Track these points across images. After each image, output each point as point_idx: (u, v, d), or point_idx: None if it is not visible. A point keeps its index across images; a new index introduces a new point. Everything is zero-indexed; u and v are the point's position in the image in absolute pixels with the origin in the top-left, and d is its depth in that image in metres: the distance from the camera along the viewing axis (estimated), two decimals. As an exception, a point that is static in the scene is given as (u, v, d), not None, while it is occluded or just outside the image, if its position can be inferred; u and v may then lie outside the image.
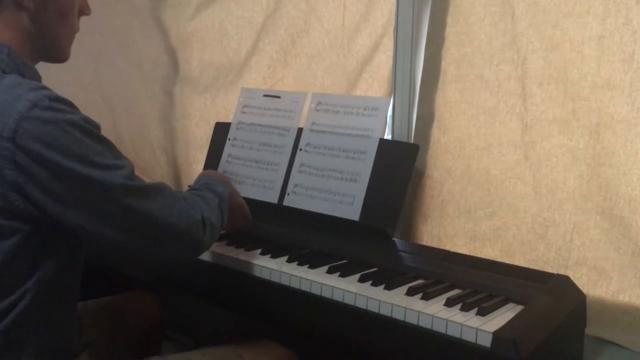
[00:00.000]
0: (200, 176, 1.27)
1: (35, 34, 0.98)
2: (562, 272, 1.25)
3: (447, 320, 0.95)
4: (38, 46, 0.99)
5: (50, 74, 1.13)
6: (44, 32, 0.99)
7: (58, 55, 1.05)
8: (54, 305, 0.95)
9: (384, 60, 1.57)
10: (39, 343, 0.93)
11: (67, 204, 0.87)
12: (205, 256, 1.28)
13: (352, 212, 1.37)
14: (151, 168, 2.24)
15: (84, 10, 1.06)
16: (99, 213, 0.90)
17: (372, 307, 1.04)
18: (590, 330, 1.18)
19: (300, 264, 1.21)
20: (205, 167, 1.71)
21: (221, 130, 1.69)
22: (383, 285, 1.10)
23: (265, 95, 1.63)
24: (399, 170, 1.36)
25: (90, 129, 0.90)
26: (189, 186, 1.27)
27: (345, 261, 1.25)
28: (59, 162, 0.85)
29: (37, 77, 1.00)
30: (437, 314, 0.97)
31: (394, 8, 1.50)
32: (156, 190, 0.97)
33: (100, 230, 0.91)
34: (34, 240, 0.90)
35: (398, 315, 1.01)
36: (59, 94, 0.90)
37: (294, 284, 1.15)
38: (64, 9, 1.00)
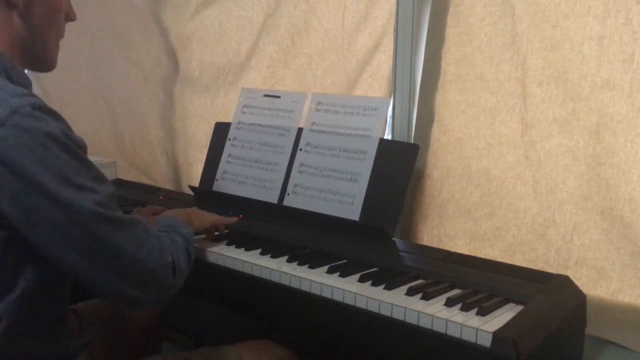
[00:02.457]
0: (162, 218, 1.18)
1: (26, 37, 0.95)
2: (562, 272, 1.25)
3: (447, 320, 0.95)
4: (28, 51, 0.97)
5: (50, 75, 1.13)
6: (34, 34, 0.96)
7: (47, 61, 1.01)
8: (43, 311, 0.93)
9: (384, 60, 1.57)
10: (31, 351, 0.92)
11: (33, 219, 0.83)
12: (205, 256, 1.28)
13: (352, 212, 1.37)
14: (151, 168, 2.24)
15: (70, 15, 1.03)
16: (63, 235, 0.85)
17: (372, 307, 1.04)
18: (590, 330, 1.18)
19: (300, 264, 1.21)
20: (205, 166, 1.71)
21: (221, 130, 1.69)
22: (383, 285, 1.10)
23: (265, 95, 1.63)
24: (399, 170, 1.36)
25: (69, 145, 0.85)
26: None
27: (345, 261, 1.25)
28: (31, 174, 0.81)
29: (26, 81, 0.97)
30: (437, 314, 0.97)
31: (394, 8, 1.50)
32: (130, 224, 0.92)
33: (62, 254, 0.86)
34: (13, 247, 0.86)
35: (398, 315, 1.01)
36: (45, 103, 0.86)
37: (294, 284, 1.15)
38: (52, 8, 0.98)
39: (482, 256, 1.35)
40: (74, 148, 0.86)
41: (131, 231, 0.91)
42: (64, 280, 0.99)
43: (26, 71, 0.99)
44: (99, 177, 0.90)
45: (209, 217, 1.32)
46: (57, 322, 0.98)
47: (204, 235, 1.35)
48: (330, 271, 1.18)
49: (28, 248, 0.88)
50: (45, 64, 1.02)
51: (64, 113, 0.90)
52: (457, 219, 1.44)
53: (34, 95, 0.87)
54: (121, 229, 0.89)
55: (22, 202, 0.82)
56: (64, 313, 1.02)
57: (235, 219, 1.37)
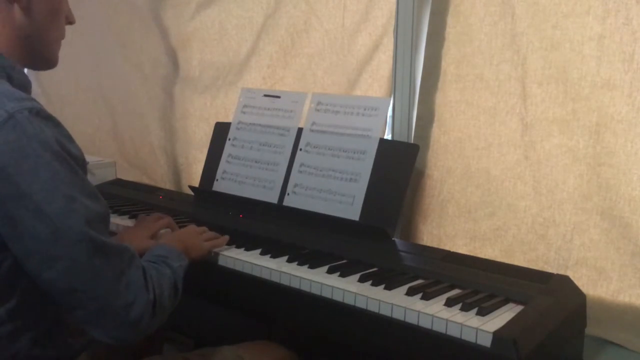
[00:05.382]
0: (156, 247, 1.12)
1: (28, 33, 0.94)
2: (562, 272, 1.25)
3: (447, 320, 0.95)
4: (29, 48, 0.96)
5: (50, 75, 1.13)
6: (36, 30, 0.95)
7: (49, 59, 1.00)
8: (44, 313, 0.92)
9: (384, 60, 1.57)
10: (33, 353, 0.91)
11: (16, 230, 0.81)
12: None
13: (352, 212, 1.37)
14: (151, 168, 2.24)
15: (70, 18, 1.02)
16: (43, 251, 0.82)
17: (372, 307, 1.04)
18: (590, 330, 1.18)
19: (300, 264, 1.21)
20: (205, 166, 1.71)
21: (221, 130, 1.69)
22: (383, 285, 1.10)
23: (265, 95, 1.63)
24: (399, 170, 1.36)
25: (63, 155, 0.83)
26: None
27: (345, 261, 1.25)
28: (20, 182, 0.79)
29: (26, 82, 0.96)
30: (437, 314, 0.97)
31: (394, 8, 1.50)
32: (115, 251, 0.87)
33: (40, 270, 0.83)
34: (7, 252, 0.84)
35: (398, 315, 1.01)
36: (44, 109, 0.84)
37: (294, 284, 1.15)
38: (53, 7, 0.97)
39: (482, 256, 1.35)
40: (67, 159, 0.84)
41: (114, 258, 0.87)
42: None
43: (26, 71, 0.99)
44: (92, 194, 0.87)
45: (204, 246, 1.24)
46: (58, 323, 0.98)
47: None
48: (330, 271, 1.18)
49: None
50: (48, 61, 1.01)
51: (64, 113, 0.90)
52: (457, 219, 1.44)
53: (33, 100, 0.86)
54: (105, 256, 0.85)
55: (8, 210, 0.80)
56: (63, 314, 1.01)
57: (227, 237, 1.30)
